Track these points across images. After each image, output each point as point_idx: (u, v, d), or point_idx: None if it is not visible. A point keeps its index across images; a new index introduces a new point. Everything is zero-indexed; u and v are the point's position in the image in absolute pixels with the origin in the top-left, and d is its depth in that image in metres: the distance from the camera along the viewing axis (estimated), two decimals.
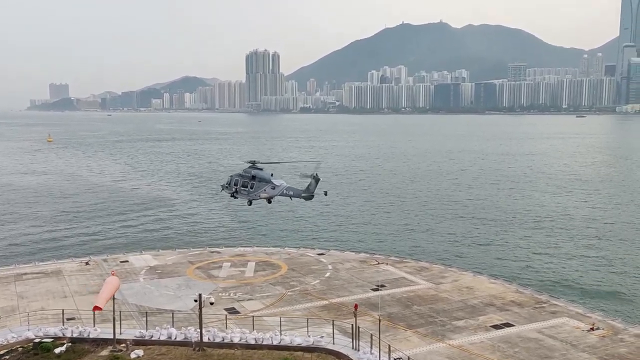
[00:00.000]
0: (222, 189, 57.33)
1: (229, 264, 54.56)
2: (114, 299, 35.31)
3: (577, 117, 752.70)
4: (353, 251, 60.89)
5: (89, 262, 54.91)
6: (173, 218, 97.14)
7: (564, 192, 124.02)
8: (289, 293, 45.08)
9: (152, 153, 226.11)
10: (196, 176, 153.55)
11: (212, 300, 35.72)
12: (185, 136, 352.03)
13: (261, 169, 54.47)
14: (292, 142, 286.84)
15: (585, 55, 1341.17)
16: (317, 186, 49.16)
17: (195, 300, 34.90)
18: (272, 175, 53.12)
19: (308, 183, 49.37)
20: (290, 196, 51.45)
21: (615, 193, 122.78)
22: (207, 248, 62.46)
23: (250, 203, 54.89)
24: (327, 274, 50.58)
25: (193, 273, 51.34)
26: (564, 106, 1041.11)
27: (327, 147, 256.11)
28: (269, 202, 55.11)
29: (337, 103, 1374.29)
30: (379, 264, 54.13)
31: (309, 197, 49.86)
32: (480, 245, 77.32)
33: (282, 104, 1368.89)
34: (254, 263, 54.76)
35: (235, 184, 55.09)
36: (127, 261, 55.60)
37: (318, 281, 48.30)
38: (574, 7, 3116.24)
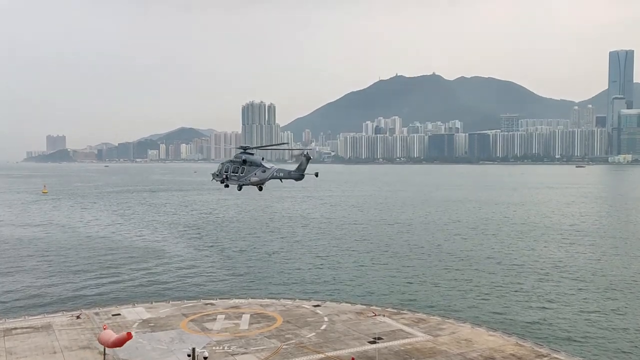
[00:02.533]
0: (213, 178, 56.27)
1: (223, 316, 53.59)
2: (104, 353, 34.45)
3: (576, 167, 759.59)
4: (349, 302, 60.03)
5: (80, 316, 53.83)
6: (167, 269, 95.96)
7: (565, 243, 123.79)
8: (284, 346, 44.12)
9: (146, 204, 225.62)
10: (190, 227, 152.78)
11: (206, 354, 34.90)
12: (180, 187, 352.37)
13: (252, 154, 54.10)
14: (287, 191, 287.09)
15: (576, 107, 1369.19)
16: (308, 165, 49.43)
17: (189, 355, 34.08)
18: (263, 159, 52.94)
19: (299, 162, 49.32)
20: (281, 178, 51.48)
21: (616, 244, 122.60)
22: (201, 300, 61.49)
23: (240, 188, 54.44)
24: (323, 327, 49.67)
25: (187, 326, 50.32)
26: (557, 156, 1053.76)
27: (322, 196, 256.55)
28: (260, 189, 54.98)
29: (333, 153, 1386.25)
30: (375, 315, 53.32)
31: (300, 177, 50.07)
32: (478, 296, 76.42)
33: (278, 155, 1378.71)
34: (248, 315, 53.81)
35: (226, 171, 54.56)
36: (119, 314, 54.56)
37: (314, 334, 47.37)
38: (563, 60, 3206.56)
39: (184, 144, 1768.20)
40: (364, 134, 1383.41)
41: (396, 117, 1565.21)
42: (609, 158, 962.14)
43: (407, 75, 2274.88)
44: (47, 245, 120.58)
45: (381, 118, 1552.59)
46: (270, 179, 52.58)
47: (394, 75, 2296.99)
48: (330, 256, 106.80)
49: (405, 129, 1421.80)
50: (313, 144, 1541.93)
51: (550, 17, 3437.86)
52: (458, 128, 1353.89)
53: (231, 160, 54.99)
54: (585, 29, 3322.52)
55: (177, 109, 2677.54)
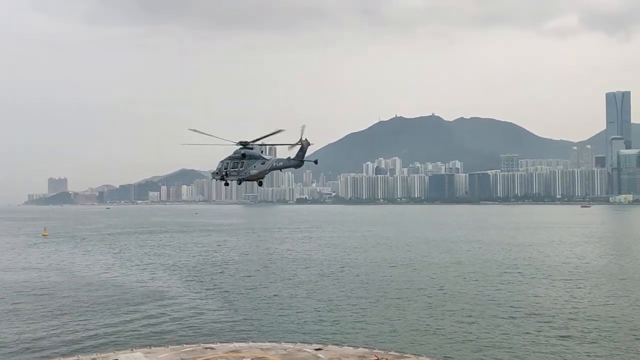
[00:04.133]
0: (213, 177, 56.23)
1: None
2: None
3: (582, 207, 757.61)
4: (351, 346, 58.94)
5: None
6: (166, 313, 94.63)
7: (571, 284, 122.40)
8: None
9: (146, 246, 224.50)
10: (190, 269, 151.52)
11: None
12: (180, 228, 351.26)
13: (252, 148, 54.10)
14: (288, 233, 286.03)
15: (575, 147, 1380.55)
16: (306, 152, 49.39)
17: None
18: (262, 152, 53.31)
19: (297, 149, 49.27)
20: (280, 167, 51.48)
21: (626, 286, 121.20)
22: (201, 344, 60.39)
23: (240, 182, 54.45)
24: None
25: None
26: (558, 196, 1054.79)
27: (323, 237, 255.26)
28: (260, 184, 55.38)
29: (333, 194, 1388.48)
30: (378, 359, 52.29)
31: (299, 164, 50.02)
32: (482, 340, 75.07)
33: (279, 195, 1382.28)
34: (249, 359, 52.76)
35: (225, 168, 54.54)
36: None
37: None
38: (561, 101, 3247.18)
39: (184, 186, 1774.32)
40: (364, 174, 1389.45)
41: (396, 157, 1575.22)
42: (610, 198, 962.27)
43: (407, 116, 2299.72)
44: (45, 289, 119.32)
45: (381, 159, 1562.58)
46: (269, 170, 52.63)
47: (394, 116, 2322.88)
48: (331, 298, 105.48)
49: (405, 170, 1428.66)
50: (314, 184, 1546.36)
51: (546, 59, 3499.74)
52: (458, 168, 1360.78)
53: (230, 157, 55.10)
54: (580, 70, 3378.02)
55: (178, 150, 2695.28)
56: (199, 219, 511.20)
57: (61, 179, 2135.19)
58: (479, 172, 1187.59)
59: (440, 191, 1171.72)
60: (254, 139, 54.16)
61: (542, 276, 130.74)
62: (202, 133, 53.35)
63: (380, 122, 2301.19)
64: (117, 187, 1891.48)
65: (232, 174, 54.37)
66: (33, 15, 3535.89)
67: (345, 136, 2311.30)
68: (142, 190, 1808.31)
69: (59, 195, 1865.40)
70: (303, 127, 50.19)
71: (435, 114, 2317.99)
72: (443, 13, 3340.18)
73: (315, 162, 51.41)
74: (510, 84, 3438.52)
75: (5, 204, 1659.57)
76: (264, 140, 53.98)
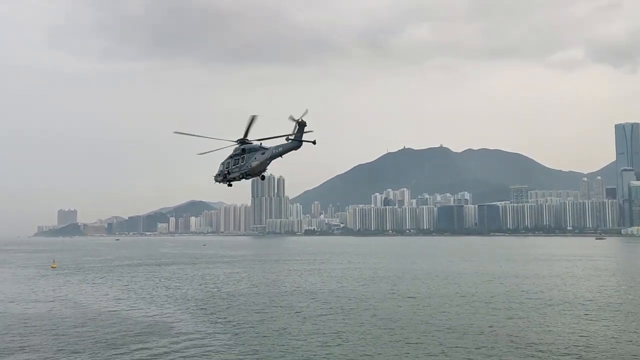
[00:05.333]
0: (215, 181, 56.51)
1: None
2: None
3: (596, 239, 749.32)
4: None
5: None
6: (173, 347, 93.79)
7: (586, 318, 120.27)
8: None
9: (154, 278, 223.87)
10: (198, 302, 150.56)
11: None
12: (188, 260, 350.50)
13: (251, 143, 54.56)
14: (297, 264, 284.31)
15: (585, 179, 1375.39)
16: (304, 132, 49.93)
17: None
18: (260, 144, 53.17)
19: (295, 130, 49.68)
20: (281, 153, 51.47)
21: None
22: None
23: (241, 177, 54.58)
24: None
25: None
26: (568, 228, 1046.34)
27: (332, 269, 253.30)
28: (262, 178, 54.77)
29: (342, 225, 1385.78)
30: None
31: (298, 145, 50.40)
32: None
33: (287, 227, 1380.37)
34: None
35: (227, 167, 54.78)
36: None
37: None
38: (569, 132, 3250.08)
39: (193, 217, 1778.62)
40: (372, 205, 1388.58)
41: (405, 188, 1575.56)
42: (622, 230, 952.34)
43: (415, 148, 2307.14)
44: (52, 322, 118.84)
45: (390, 190, 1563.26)
46: (270, 158, 52.59)
47: (402, 147, 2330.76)
48: (340, 332, 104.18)
49: (414, 201, 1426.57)
50: (322, 216, 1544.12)
51: (552, 91, 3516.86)
52: (467, 199, 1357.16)
53: (230, 156, 55.50)
54: (588, 102, 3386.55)
55: (186, 182, 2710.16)
56: (207, 250, 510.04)
57: (71, 210, 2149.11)
58: (488, 203, 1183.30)
59: (449, 222, 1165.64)
60: (259, 139, 55.03)
61: (556, 310, 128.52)
62: (190, 134, 53.98)
63: (388, 154, 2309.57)
64: (126, 218, 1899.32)
65: (234, 171, 54.50)
66: (50, 52, 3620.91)
67: (353, 167, 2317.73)
68: (150, 221, 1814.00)
69: (69, 226, 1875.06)
70: (306, 110, 50.79)
71: (444, 145, 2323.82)
72: (450, 46, 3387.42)
73: (314, 142, 51.38)
74: (517, 116, 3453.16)
75: (15, 236, 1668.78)
76: (265, 139, 54.59)
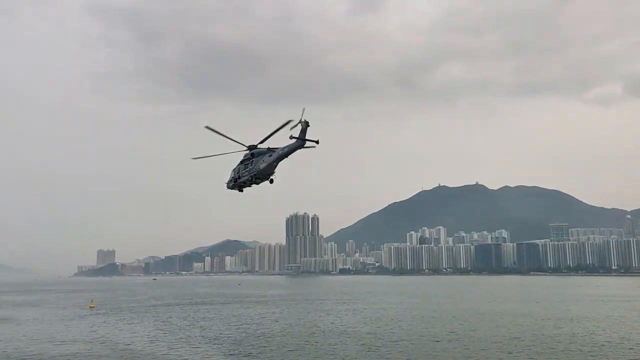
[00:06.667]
0: (228, 187, 58.53)
1: None
2: None
3: None
4: None
5: None
6: None
7: None
8: None
9: (190, 317, 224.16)
10: (233, 342, 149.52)
11: None
12: (223, 299, 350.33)
13: (259, 148, 57.30)
14: (332, 304, 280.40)
15: (629, 216, 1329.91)
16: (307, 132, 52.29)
17: None
18: (268, 148, 55.84)
19: (299, 131, 52.00)
20: (287, 154, 53.68)
21: None
22: None
23: (251, 180, 56.50)
24: None
25: None
26: (613, 267, 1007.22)
27: (368, 309, 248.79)
28: (271, 181, 56.30)
29: (377, 264, 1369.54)
30: None
31: (302, 144, 52.66)
32: None
33: (322, 266, 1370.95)
34: None
35: (238, 172, 57.06)
36: None
37: None
38: (609, 169, 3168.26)
39: (228, 256, 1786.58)
40: (408, 244, 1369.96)
41: (440, 227, 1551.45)
42: None
43: (450, 185, 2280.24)
44: None
45: (425, 228, 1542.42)
46: (277, 159, 54.84)
47: (437, 185, 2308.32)
48: None
49: (450, 239, 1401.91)
50: (357, 255, 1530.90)
51: (591, 127, 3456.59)
52: (505, 238, 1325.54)
53: (241, 161, 58.23)
54: (627, 137, 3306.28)
55: (222, 221, 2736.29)
56: (242, 290, 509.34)
57: (109, 250, 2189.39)
58: (527, 241, 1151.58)
59: (487, 261, 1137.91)
60: (262, 139, 57.51)
61: (602, 354, 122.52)
62: (218, 132, 56.63)
63: (423, 192, 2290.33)
64: (163, 258, 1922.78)
65: (244, 175, 56.77)
66: (91, 96, 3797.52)
67: (388, 206, 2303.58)
68: (186, 261, 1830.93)
69: (107, 266, 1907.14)
70: (303, 109, 52.97)
71: (479, 183, 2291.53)
72: (483, 84, 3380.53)
73: (317, 142, 53.24)
74: (555, 152, 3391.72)
75: (57, 276, 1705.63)
76: (273, 137, 56.27)
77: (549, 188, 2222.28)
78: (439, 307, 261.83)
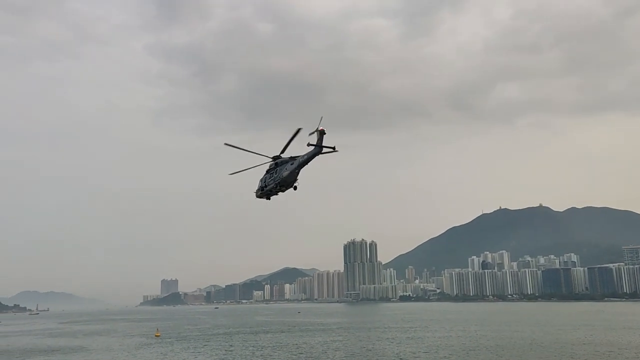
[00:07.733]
0: (257, 196, 62.53)
1: None
2: None
3: None
4: None
5: None
6: None
7: None
8: None
9: (250, 346, 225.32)
10: None
11: None
12: (284, 328, 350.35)
13: (282, 158, 61.01)
14: (393, 332, 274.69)
15: None
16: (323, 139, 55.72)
17: None
18: (291, 157, 59.49)
19: (316, 139, 55.36)
20: (307, 161, 56.94)
21: None
22: None
23: (277, 187, 59.89)
24: None
25: None
26: None
27: (431, 337, 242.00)
28: (295, 188, 59.32)
29: (438, 290, 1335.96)
30: None
31: (319, 150, 55.91)
32: None
33: (381, 293, 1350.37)
34: None
35: (264, 181, 60.89)
36: None
37: None
38: None
39: (287, 284, 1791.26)
40: (470, 269, 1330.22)
41: (504, 251, 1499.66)
42: None
43: (512, 208, 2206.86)
44: None
45: (487, 252, 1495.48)
46: (298, 166, 58.08)
47: (498, 208, 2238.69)
48: None
49: (514, 264, 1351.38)
50: (417, 281, 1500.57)
51: None
52: (574, 262, 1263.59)
53: (266, 171, 62.14)
54: None
55: (280, 249, 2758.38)
56: (302, 318, 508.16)
57: (172, 280, 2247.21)
58: (598, 265, 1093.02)
59: (555, 287, 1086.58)
60: (282, 149, 60.98)
61: None
62: (237, 147, 60.49)
63: (484, 215, 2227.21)
64: (223, 287, 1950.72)
65: (269, 183, 60.36)
66: (153, 131, 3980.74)
67: (447, 230, 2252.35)
68: (246, 289, 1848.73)
69: (171, 295, 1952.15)
70: (321, 118, 56.42)
71: (543, 205, 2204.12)
72: (542, 103, 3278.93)
73: (334, 148, 56.75)
74: (623, 171, 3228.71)
75: (124, 305, 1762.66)
76: (290, 146, 59.87)
77: (620, 209, 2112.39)
78: (506, 335, 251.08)
